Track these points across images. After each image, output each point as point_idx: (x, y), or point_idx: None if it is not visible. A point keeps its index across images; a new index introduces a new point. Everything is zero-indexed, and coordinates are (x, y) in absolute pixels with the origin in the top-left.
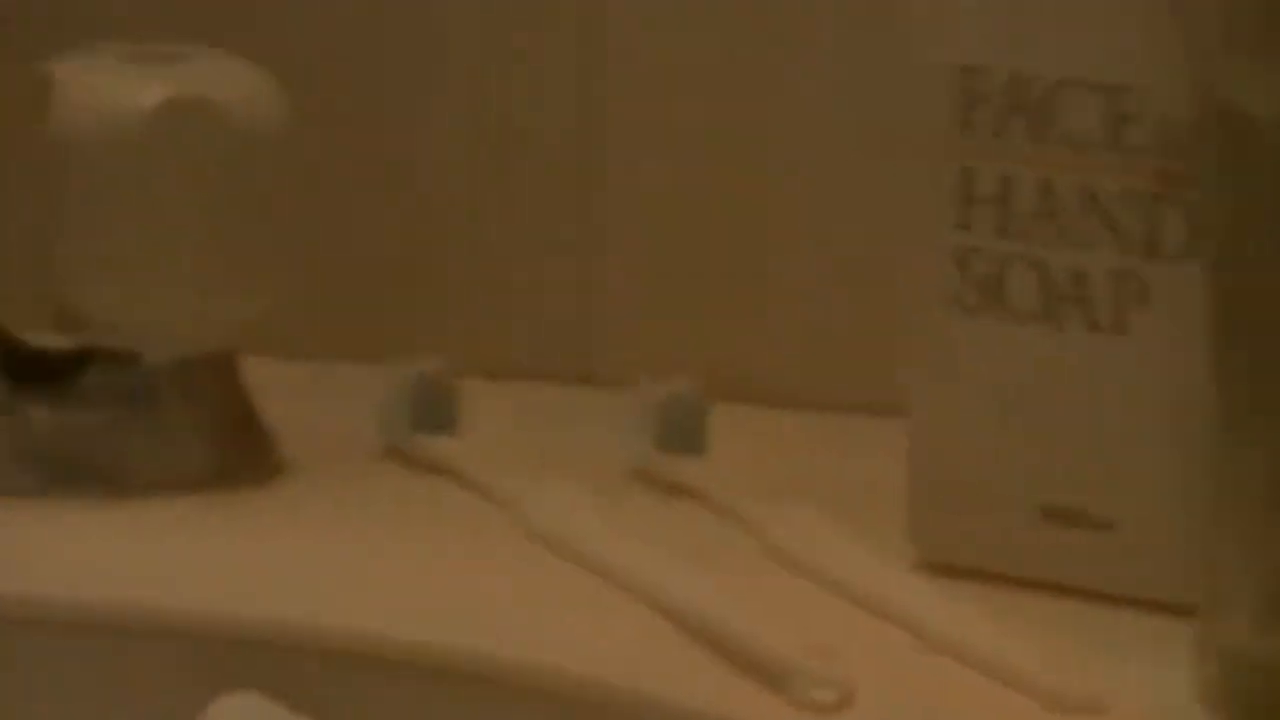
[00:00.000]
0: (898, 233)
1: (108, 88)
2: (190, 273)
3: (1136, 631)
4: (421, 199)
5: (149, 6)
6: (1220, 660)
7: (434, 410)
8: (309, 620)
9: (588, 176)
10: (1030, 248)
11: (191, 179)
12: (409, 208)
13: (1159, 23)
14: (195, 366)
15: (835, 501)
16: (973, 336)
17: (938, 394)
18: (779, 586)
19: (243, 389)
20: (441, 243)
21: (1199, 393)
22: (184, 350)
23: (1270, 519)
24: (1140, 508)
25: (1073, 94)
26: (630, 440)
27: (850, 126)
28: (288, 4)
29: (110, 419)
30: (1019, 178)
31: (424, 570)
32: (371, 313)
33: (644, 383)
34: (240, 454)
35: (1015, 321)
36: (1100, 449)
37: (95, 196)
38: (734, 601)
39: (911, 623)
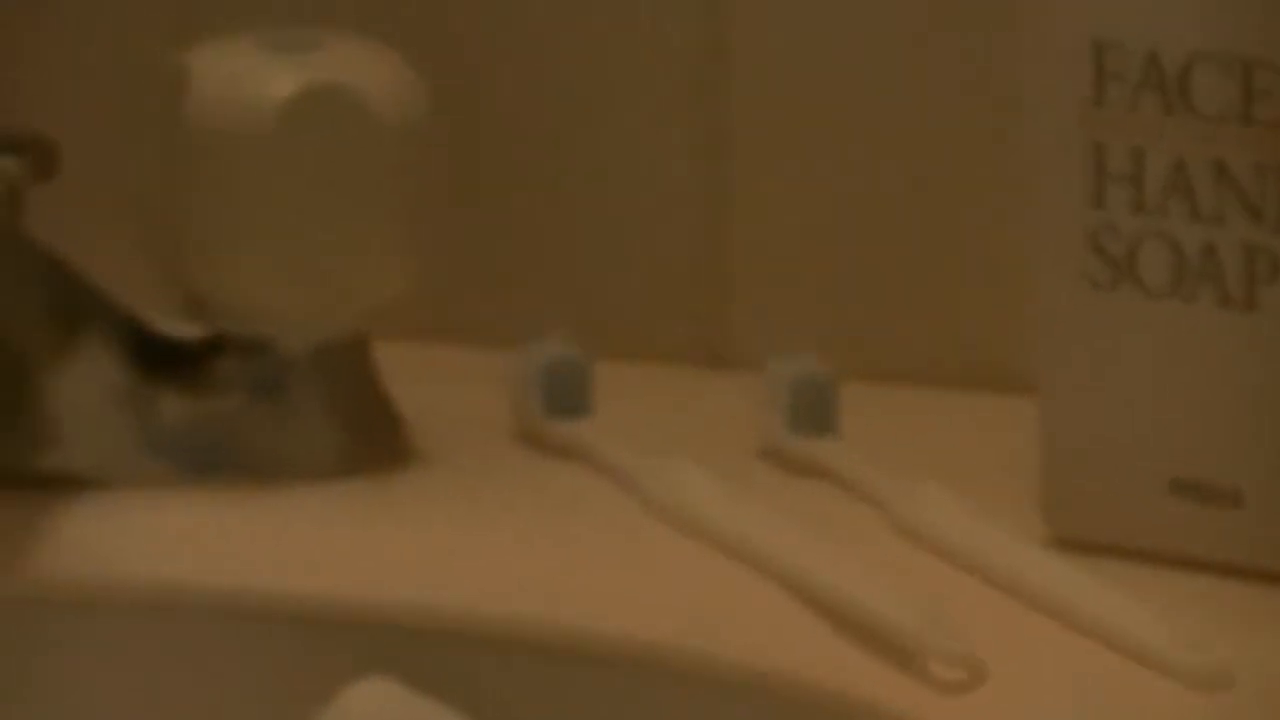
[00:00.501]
0: (1028, 210)
1: (243, 76)
2: (323, 260)
3: (1267, 605)
4: (551, 183)
5: None
6: None
7: (567, 393)
8: (442, 605)
9: (714, 159)
10: (1162, 223)
11: (325, 167)
12: (539, 192)
13: None
14: (328, 353)
15: (966, 479)
16: (1104, 313)
17: (1069, 370)
18: (910, 564)
19: (375, 375)
20: (572, 227)
21: None
22: (316, 337)
23: None
24: (1270, 481)
25: (1206, 68)
26: (760, 420)
27: (980, 104)
28: None
29: (242, 407)
30: (1152, 152)
31: (557, 554)
32: (503, 297)
33: (774, 363)
34: (373, 440)
35: (1147, 297)
36: (1229, 424)
37: (230, 185)
38: (864, 578)
39: (1042, 599)
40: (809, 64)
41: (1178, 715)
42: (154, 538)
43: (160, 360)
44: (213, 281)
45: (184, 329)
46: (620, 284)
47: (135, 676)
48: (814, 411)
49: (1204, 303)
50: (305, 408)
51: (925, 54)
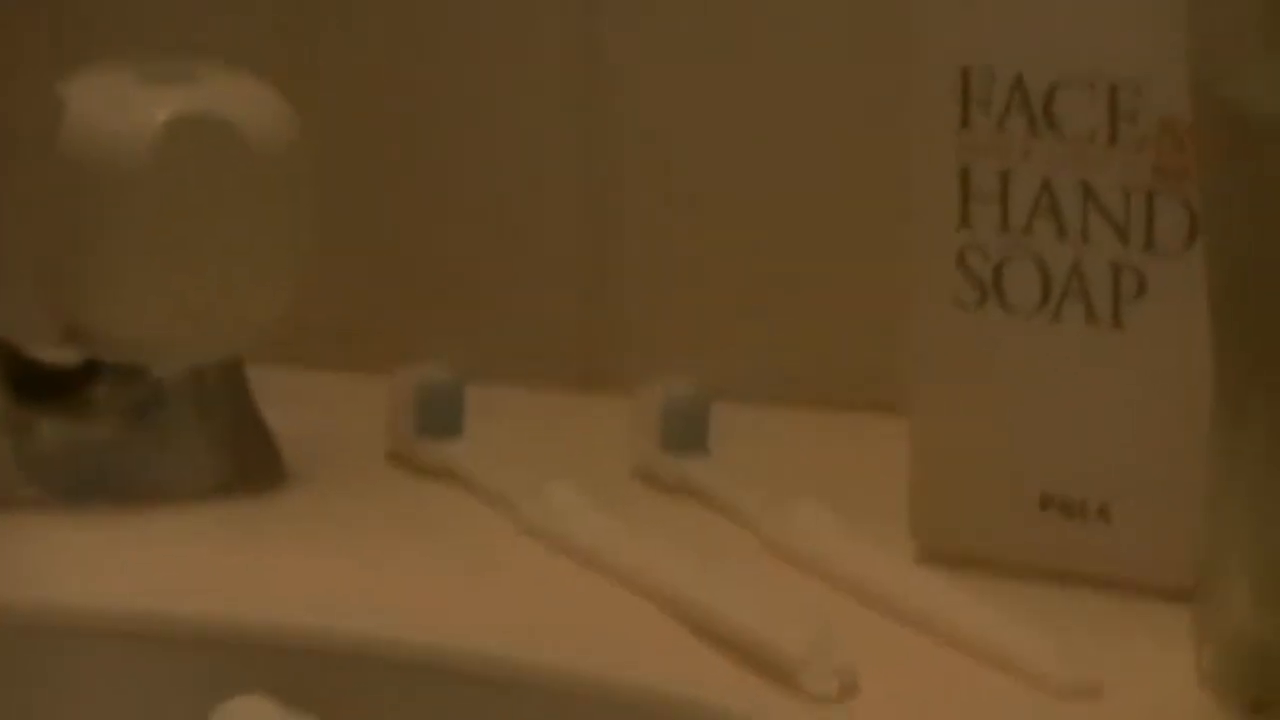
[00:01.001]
0: (898, 231)
1: (117, 105)
2: (199, 288)
3: (1136, 618)
4: (424, 208)
5: (157, 24)
6: (1218, 643)
7: (439, 416)
8: (317, 626)
9: (591, 183)
10: (1029, 243)
11: (199, 195)
12: (412, 217)
13: (1159, 18)
14: (203, 378)
15: (837, 497)
16: (972, 331)
17: (938, 387)
18: (782, 581)
19: (250, 398)
20: (444, 251)
21: (1193, 385)
22: (192, 362)
23: (1267, 502)
24: (1137, 497)
25: (1070, 91)
26: (633, 441)
27: (853, 124)
28: (292, 18)
29: (119, 431)
30: (1018, 173)
31: (430, 574)
32: (376, 321)
33: (646, 385)
34: (249, 463)
35: (1014, 316)
36: (1097, 440)
37: (104, 214)
38: (737, 595)
39: (913, 613)
40: (688, 87)
41: None
42: (28, 561)
43: (36, 385)
44: (89, 309)
45: (60, 354)
46: (495, 307)
47: (6, 697)
48: (686, 432)
49: (1071, 321)
50: (181, 432)
51: (806, 79)
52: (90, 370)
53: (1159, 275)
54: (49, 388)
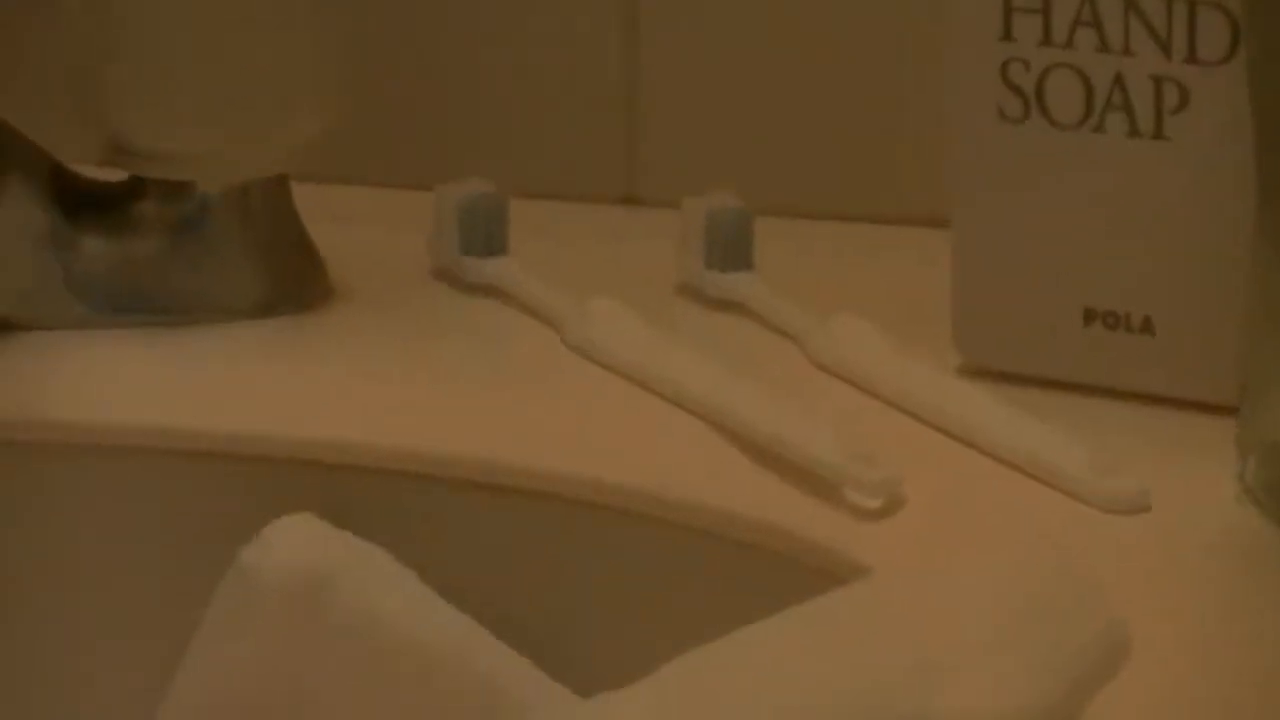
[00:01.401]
0: (940, 45)
1: None
2: (242, 99)
3: (1179, 431)
4: (466, 23)
5: None
6: (1260, 456)
7: (483, 232)
8: (363, 441)
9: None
10: (1071, 56)
11: (240, 6)
12: (455, 31)
13: None
14: (247, 194)
15: (882, 312)
16: (1015, 145)
17: (981, 202)
18: (826, 396)
19: (295, 215)
20: (486, 67)
21: (1236, 196)
22: (236, 178)
23: None
24: (1180, 310)
25: None
26: (677, 257)
27: None
28: None
29: (163, 248)
30: None
31: (475, 389)
32: (420, 138)
33: (689, 200)
34: (293, 280)
35: (1057, 129)
36: (1140, 253)
37: (145, 26)
38: (780, 410)
39: (958, 427)
40: None
41: (1095, 539)
42: (76, 379)
43: (81, 203)
44: (131, 124)
45: (105, 172)
46: (538, 123)
47: (56, 515)
48: (730, 247)
49: (1113, 134)
50: (225, 248)
51: None
52: (134, 187)
53: (1201, 87)
54: (93, 205)
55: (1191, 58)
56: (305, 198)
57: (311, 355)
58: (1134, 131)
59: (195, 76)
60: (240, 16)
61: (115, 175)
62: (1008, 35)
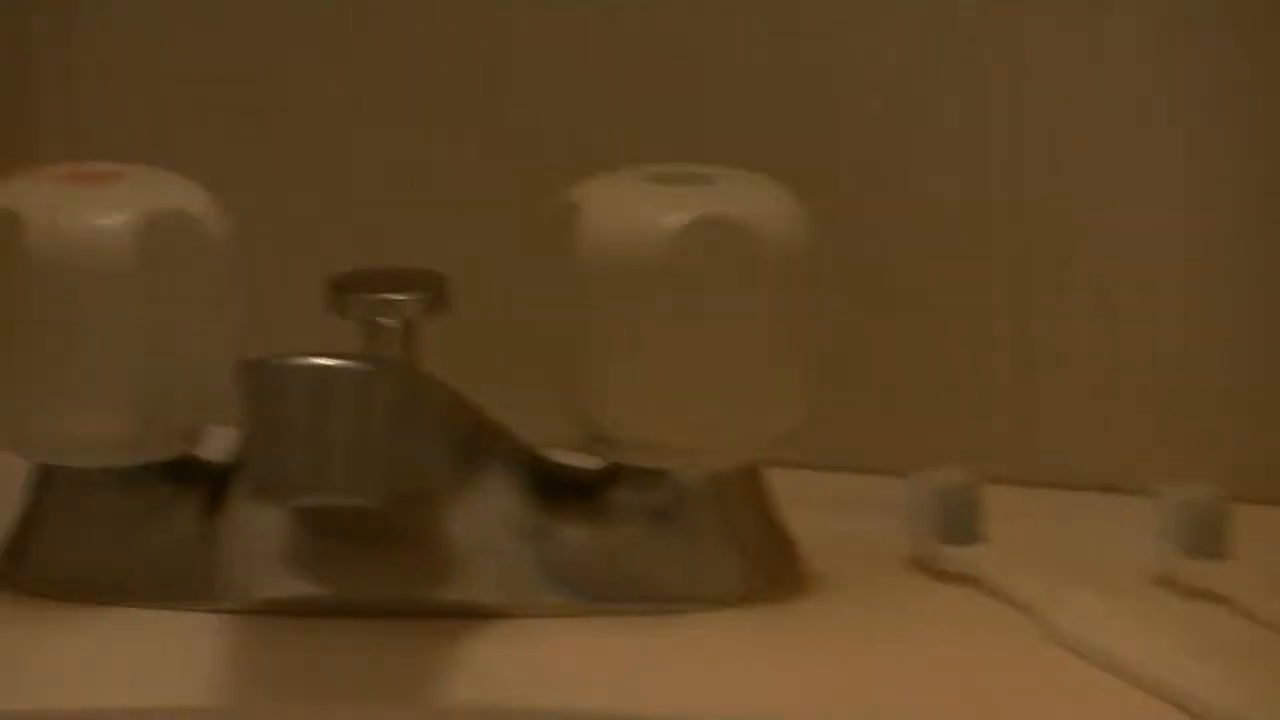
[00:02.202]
0: None
1: (632, 209)
2: (721, 393)
3: None
4: (932, 314)
5: (658, 132)
6: None
7: (958, 520)
8: None
9: (1022, 277)
10: None
11: (716, 298)
12: (927, 319)
13: None
14: (722, 481)
15: None
16: None
17: None
18: None
19: (769, 501)
20: (955, 359)
21: None
22: (713, 466)
23: None
24: None
25: None
26: (1152, 545)
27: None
28: (798, 118)
29: (640, 535)
30: None
31: (956, 680)
32: (892, 424)
33: (1164, 488)
34: (768, 567)
35: None
36: None
37: (622, 317)
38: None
39: None
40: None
41: None
42: (552, 666)
43: (558, 491)
44: (608, 414)
45: (580, 460)
46: (1008, 413)
47: None
48: (1205, 536)
49: None
50: (701, 535)
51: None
52: (610, 475)
53: None
54: (570, 493)
55: None
56: (779, 483)
57: (789, 644)
58: None
59: (674, 370)
60: (714, 307)
61: (592, 462)
62: None
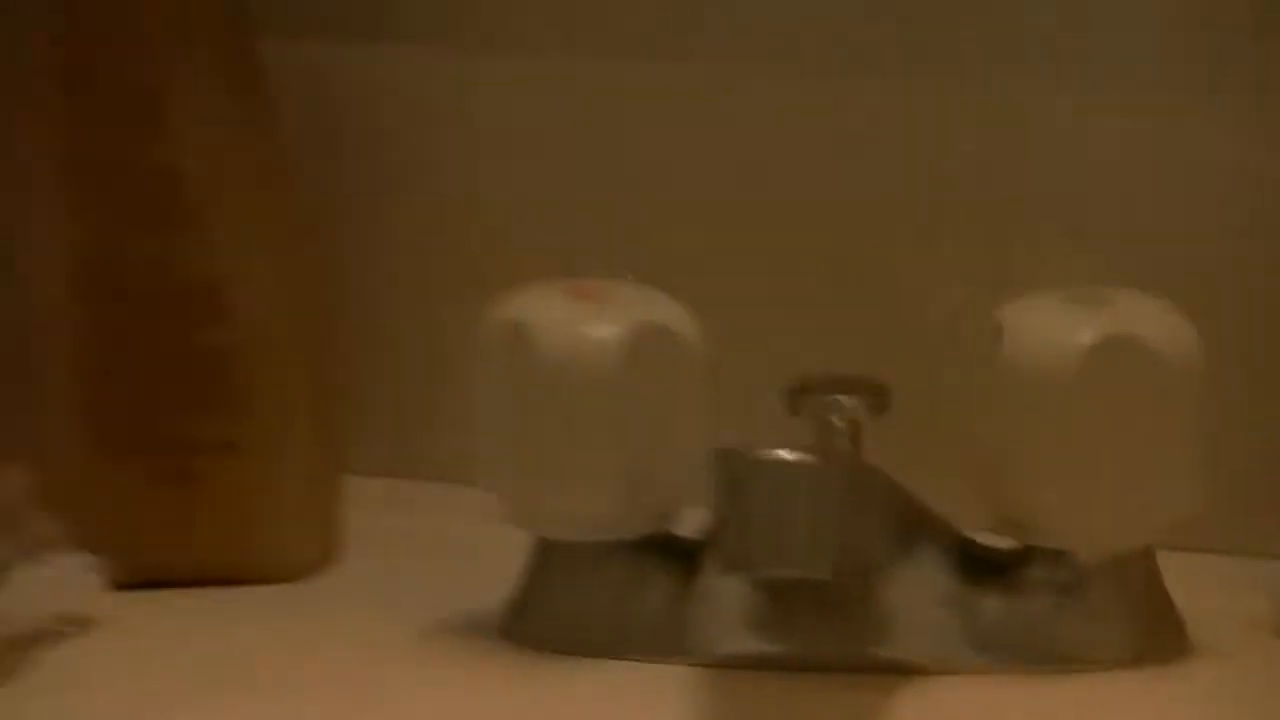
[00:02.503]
0: None
1: (1050, 327)
2: (1119, 489)
3: None
4: None
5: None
6: None
7: None
8: None
9: None
10: None
11: (1121, 406)
12: None
13: None
14: (1120, 562)
15: None
16: None
17: None
18: None
19: (1160, 579)
20: None
21: None
22: (1113, 549)
23: None
24: None
25: None
26: None
27: None
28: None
29: (1049, 606)
30: None
31: None
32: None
33: None
34: (1159, 637)
35: None
36: None
37: (1036, 421)
38: None
39: None
40: None
41: None
42: (973, 716)
43: (978, 567)
44: (1022, 503)
45: (999, 541)
46: None
47: None
48: None
49: None
50: (1101, 608)
51: None
52: (1024, 555)
53: None
54: (990, 569)
55: None
56: (1166, 562)
57: (1173, 701)
58: None
59: (1084, 468)
60: (1118, 414)
61: (1007, 543)
62: None
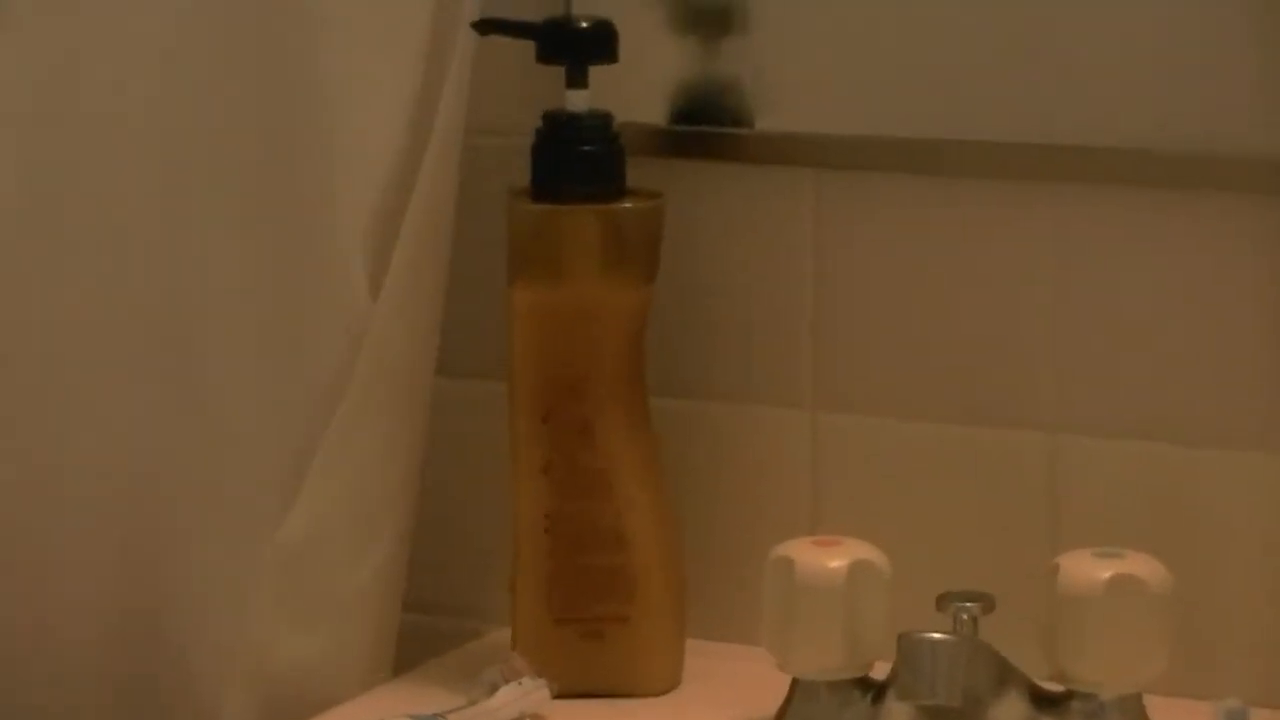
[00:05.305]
0: None
1: (1085, 567)
2: (1126, 654)
3: None
4: None
5: None
6: None
7: None
8: None
9: None
10: None
11: (1125, 612)
12: None
13: None
14: (1124, 698)
15: None
16: None
17: None
18: None
19: (1143, 709)
20: None
21: None
22: (1118, 691)
23: None
24: None
25: None
26: None
27: None
28: None
29: None
30: None
31: None
32: None
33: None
34: None
35: None
36: None
37: (1079, 619)
38: None
39: None
40: None
41: None
42: None
43: (1043, 701)
44: (1068, 665)
45: (1054, 686)
46: None
47: None
48: None
49: None
50: None
51: None
52: (1069, 694)
53: None
54: (1050, 704)
55: None
56: (1148, 700)
57: None
58: None
59: (1106, 645)
60: (1128, 615)
61: (1058, 687)
62: None
